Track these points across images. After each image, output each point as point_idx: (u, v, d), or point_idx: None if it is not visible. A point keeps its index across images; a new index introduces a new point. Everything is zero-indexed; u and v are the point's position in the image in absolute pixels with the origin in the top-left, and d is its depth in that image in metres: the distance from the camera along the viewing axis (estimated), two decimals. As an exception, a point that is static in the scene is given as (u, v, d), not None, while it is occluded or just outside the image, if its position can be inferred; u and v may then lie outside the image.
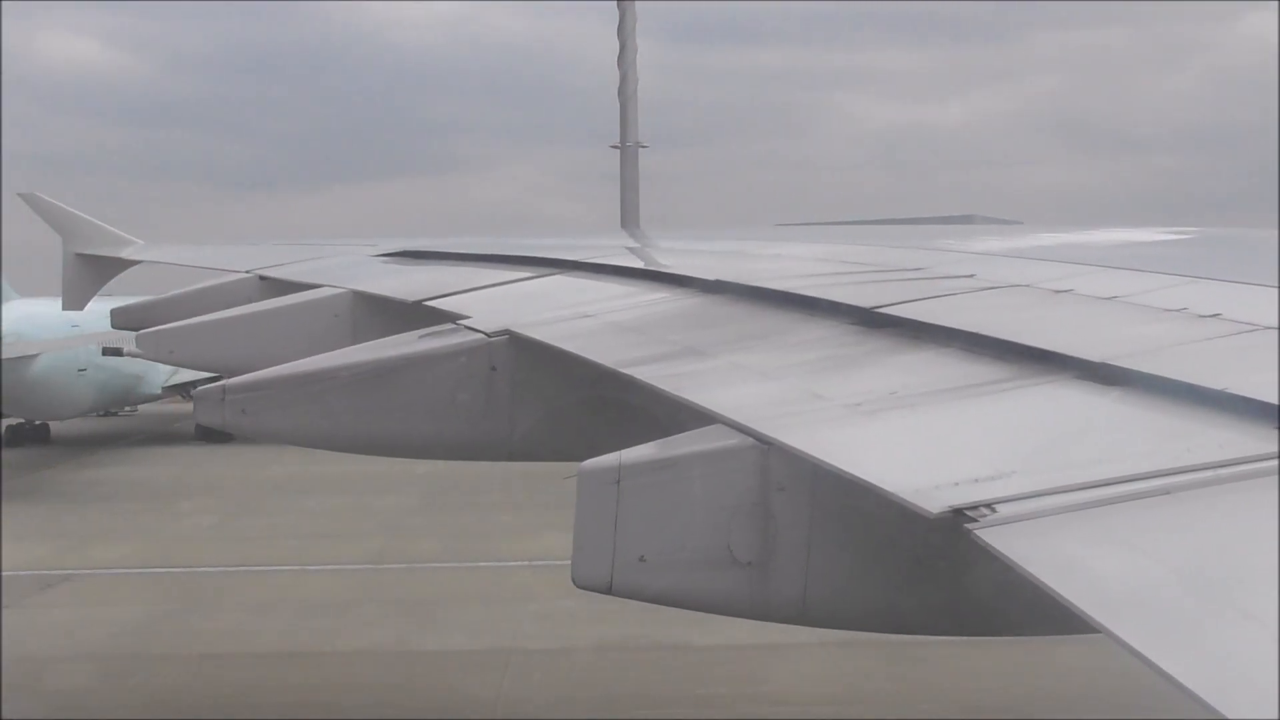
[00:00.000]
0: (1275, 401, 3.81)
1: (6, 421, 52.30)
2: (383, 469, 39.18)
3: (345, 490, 38.06)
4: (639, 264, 9.69)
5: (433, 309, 9.78)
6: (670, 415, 5.74)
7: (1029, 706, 18.69)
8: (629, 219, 39.42)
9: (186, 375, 54.30)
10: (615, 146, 40.84)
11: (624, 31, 39.76)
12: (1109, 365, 4.56)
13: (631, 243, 14.17)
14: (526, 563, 28.19)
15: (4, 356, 44.85)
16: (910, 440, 4.53)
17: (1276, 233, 7.68)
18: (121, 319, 15.83)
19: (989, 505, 3.57)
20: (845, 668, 19.78)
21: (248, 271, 14.51)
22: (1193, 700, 2.55)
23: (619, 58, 39.99)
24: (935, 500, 3.68)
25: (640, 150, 39.47)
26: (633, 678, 20.16)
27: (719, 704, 19.14)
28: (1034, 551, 3.31)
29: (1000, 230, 12.20)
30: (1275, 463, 3.48)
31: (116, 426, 59.63)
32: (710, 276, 8.23)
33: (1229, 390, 4.03)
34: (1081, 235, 10.29)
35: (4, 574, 25.30)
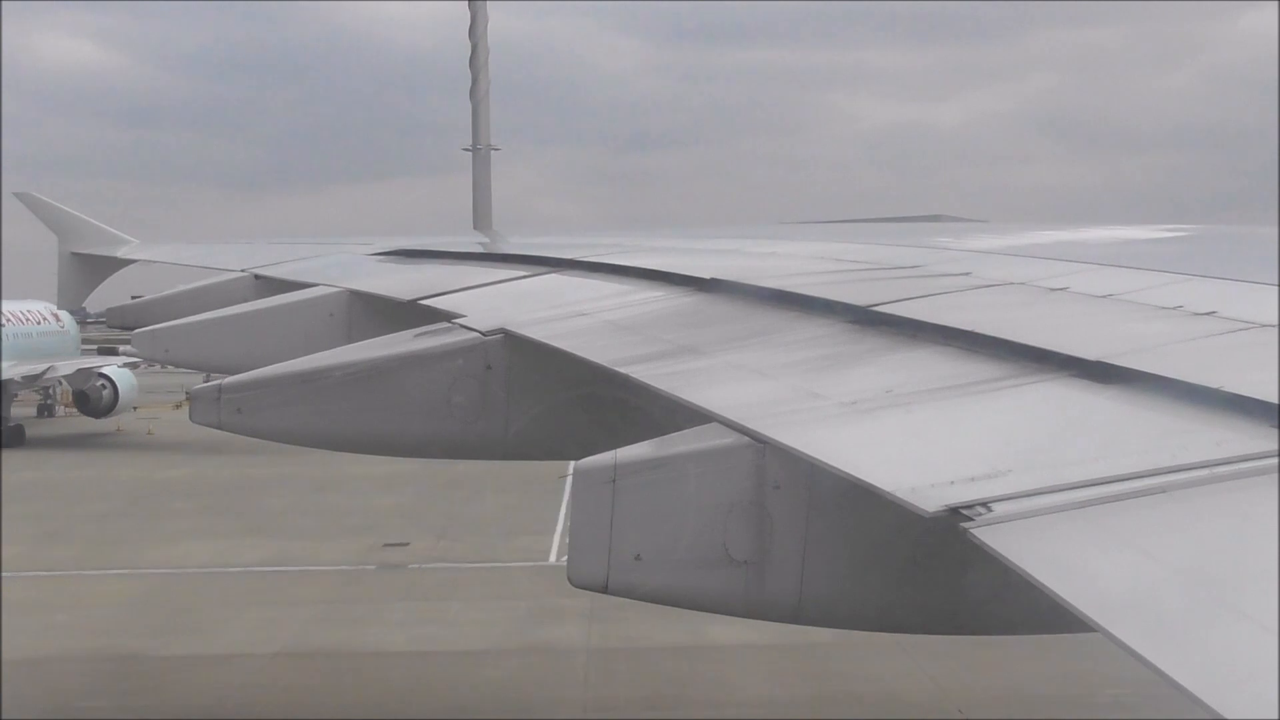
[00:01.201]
0: (1272, 400, 3.80)
1: None
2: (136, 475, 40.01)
3: (63, 495, 38.30)
4: (634, 263, 9.66)
5: (428, 308, 9.77)
6: (666, 414, 5.74)
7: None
8: (481, 221, 39.54)
9: None
10: (466, 149, 41.00)
11: (475, 33, 39.60)
12: (1105, 363, 4.55)
13: (628, 242, 14.16)
14: (129, 571, 28.44)
15: None
16: (906, 439, 4.52)
17: (1273, 230, 7.67)
18: (117, 318, 15.82)
19: (985, 504, 3.57)
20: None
21: (243, 270, 14.51)
22: (1190, 700, 2.54)
23: (470, 59, 39.89)
24: (931, 499, 3.67)
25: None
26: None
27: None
28: (1030, 550, 3.30)
29: (997, 229, 12.19)
30: (1274, 461, 3.47)
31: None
32: (706, 275, 8.22)
33: (1225, 388, 4.02)
34: (1077, 233, 10.28)
35: None
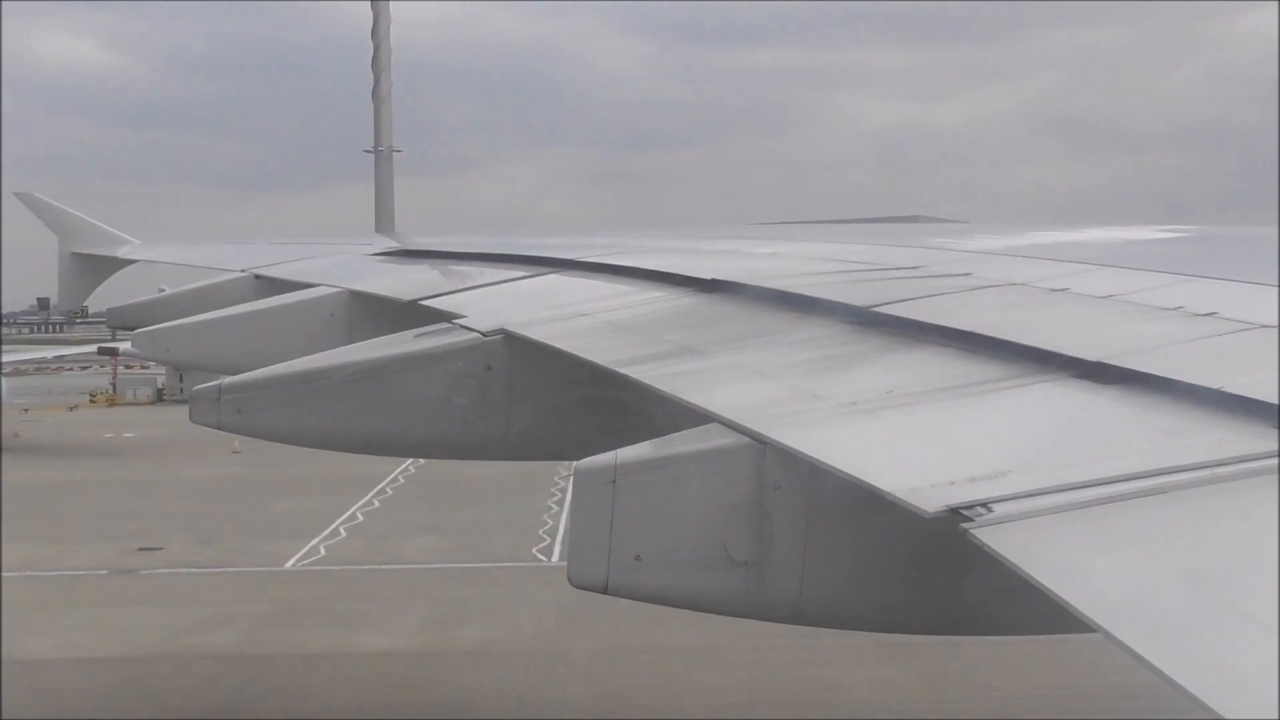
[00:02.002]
0: (1272, 400, 3.80)
1: None
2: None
3: None
4: (634, 263, 9.66)
5: (428, 308, 9.77)
6: (667, 414, 5.73)
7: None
8: (383, 224, 39.56)
9: None
10: (368, 151, 41.01)
11: (378, 33, 39.52)
12: (1105, 364, 4.55)
13: (628, 242, 14.17)
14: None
15: None
16: (907, 440, 4.52)
17: (1274, 231, 7.67)
18: (118, 319, 15.84)
19: (985, 505, 3.56)
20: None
21: (243, 270, 14.53)
22: (1190, 701, 2.54)
23: (373, 60, 39.81)
24: (932, 500, 3.67)
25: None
26: None
27: None
28: (1031, 551, 3.30)
29: (994, 229, 12.18)
30: (1275, 461, 3.47)
31: None
32: (707, 276, 8.22)
33: (1225, 389, 4.02)
34: (1077, 234, 10.28)
35: None
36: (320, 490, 38.07)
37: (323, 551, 31.19)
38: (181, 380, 75.46)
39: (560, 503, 36.72)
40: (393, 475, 41.42)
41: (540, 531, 32.93)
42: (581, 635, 23.15)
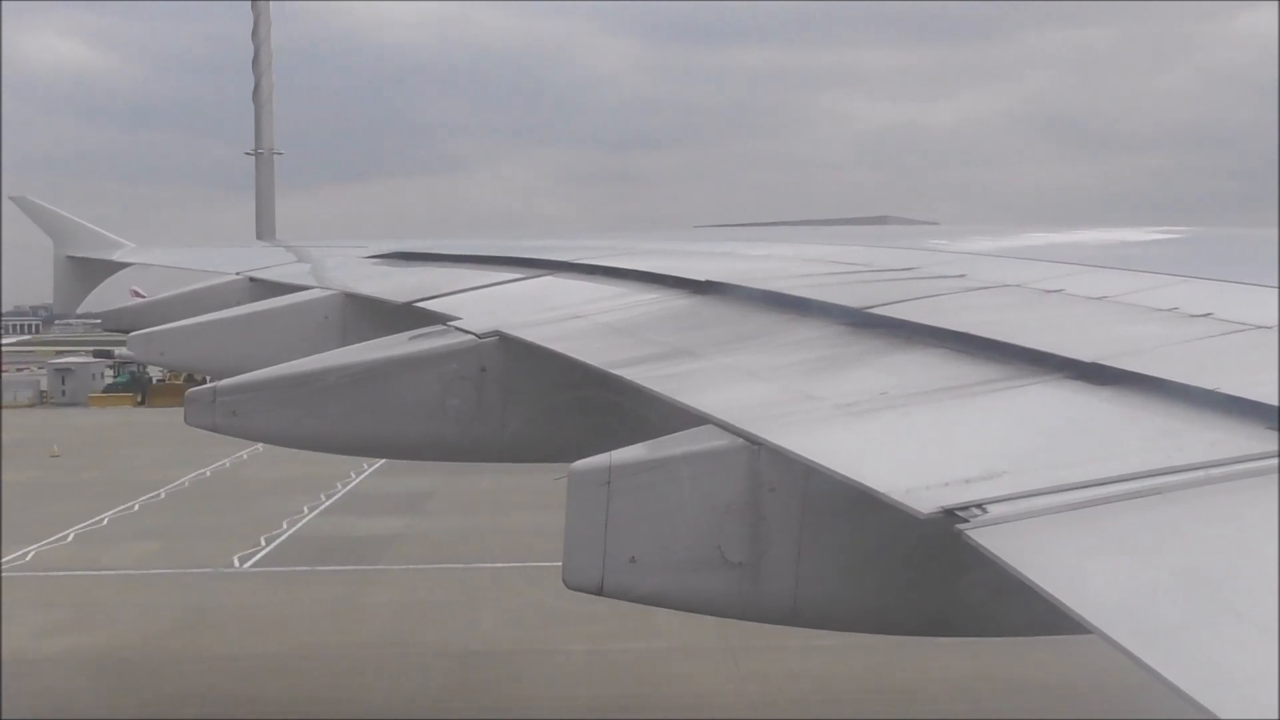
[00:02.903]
0: (1268, 401, 3.79)
1: None
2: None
3: None
4: (629, 265, 9.66)
5: (423, 310, 9.77)
6: (661, 416, 5.72)
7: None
8: (264, 229, 39.34)
9: None
10: (250, 154, 40.73)
11: (258, 35, 39.43)
12: (1100, 365, 4.55)
13: (622, 244, 14.16)
14: None
15: None
16: (901, 441, 4.51)
17: (1269, 232, 7.67)
18: (113, 322, 15.86)
19: (980, 505, 3.56)
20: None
21: (238, 273, 14.55)
22: (1186, 702, 2.53)
23: (254, 61, 39.67)
24: (926, 501, 3.66)
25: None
26: None
27: None
28: (1025, 552, 3.29)
29: (993, 231, 12.19)
30: (1272, 462, 3.47)
31: None
32: (701, 277, 8.22)
33: (1221, 390, 4.01)
34: (1072, 235, 10.28)
35: None
36: (97, 495, 37.21)
37: (30, 557, 30.24)
38: (64, 383, 75.52)
39: (314, 507, 36.11)
40: (180, 480, 40.83)
41: (262, 537, 32.12)
42: (180, 640, 23.00)
